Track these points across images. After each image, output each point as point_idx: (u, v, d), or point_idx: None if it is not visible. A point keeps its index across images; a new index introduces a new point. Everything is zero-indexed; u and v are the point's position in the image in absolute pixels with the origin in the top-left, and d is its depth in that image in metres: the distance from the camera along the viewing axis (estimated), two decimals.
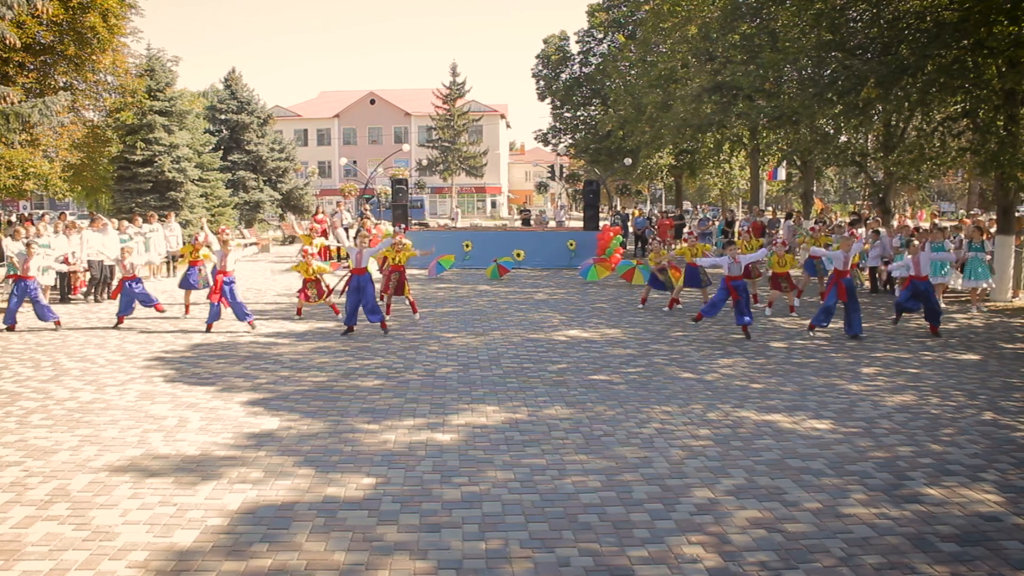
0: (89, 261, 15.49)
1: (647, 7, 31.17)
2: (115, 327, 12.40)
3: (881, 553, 4.68)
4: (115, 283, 13.20)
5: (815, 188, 28.07)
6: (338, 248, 24.80)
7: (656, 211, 43.57)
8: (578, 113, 47.08)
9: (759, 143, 27.90)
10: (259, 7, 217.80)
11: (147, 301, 12.72)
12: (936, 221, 20.79)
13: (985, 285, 14.58)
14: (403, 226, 22.39)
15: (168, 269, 20.23)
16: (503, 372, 9.42)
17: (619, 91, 34.94)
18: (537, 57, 47.55)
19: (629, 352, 10.58)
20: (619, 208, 46.73)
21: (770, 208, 38.59)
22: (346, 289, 11.78)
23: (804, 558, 4.62)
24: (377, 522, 5.11)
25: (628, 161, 37.54)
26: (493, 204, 76.57)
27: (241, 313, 12.03)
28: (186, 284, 13.73)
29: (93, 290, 15.64)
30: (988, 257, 14.95)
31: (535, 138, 52.48)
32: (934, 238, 14.64)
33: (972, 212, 28.01)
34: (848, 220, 22.31)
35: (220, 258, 12.12)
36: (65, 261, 14.25)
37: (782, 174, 37.73)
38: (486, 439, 6.82)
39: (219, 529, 5.00)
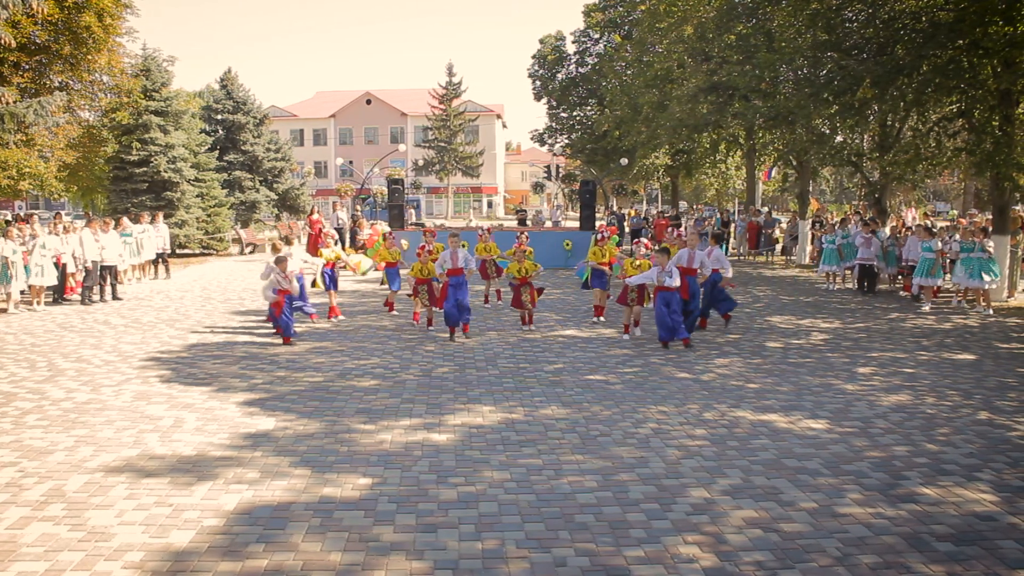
0: (91, 261, 15.43)
1: (643, 7, 31.23)
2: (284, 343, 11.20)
3: (877, 553, 4.69)
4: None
5: (811, 188, 28.04)
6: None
7: (652, 211, 43.60)
8: (574, 113, 47.11)
9: (755, 143, 27.94)
10: (255, 7, 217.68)
11: (302, 305, 12.01)
12: (929, 220, 20.79)
13: (987, 285, 14.52)
14: (390, 231, 22.14)
15: (156, 270, 19.92)
16: (499, 372, 9.42)
17: (615, 91, 34.96)
18: (533, 57, 47.60)
19: (625, 352, 10.59)
20: (615, 208, 46.78)
21: (766, 208, 38.61)
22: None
23: (800, 558, 4.62)
24: (373, 522, 5.11)
25: (624, 161, 37.54)
26: (489, 204, 76.58)
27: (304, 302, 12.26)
28: (331, 285, 13.69)
29: (88, 292, 15.57)
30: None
31: (531, 138, 52.55)
32: (922, 236, 14.64)
33: (970, 212, 28.05)
34: (840, 218, 22.33)
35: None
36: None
37: (775, 173, 37.76)
38: (482, 439, 6.83)
39: (215, 529, 5.00)
